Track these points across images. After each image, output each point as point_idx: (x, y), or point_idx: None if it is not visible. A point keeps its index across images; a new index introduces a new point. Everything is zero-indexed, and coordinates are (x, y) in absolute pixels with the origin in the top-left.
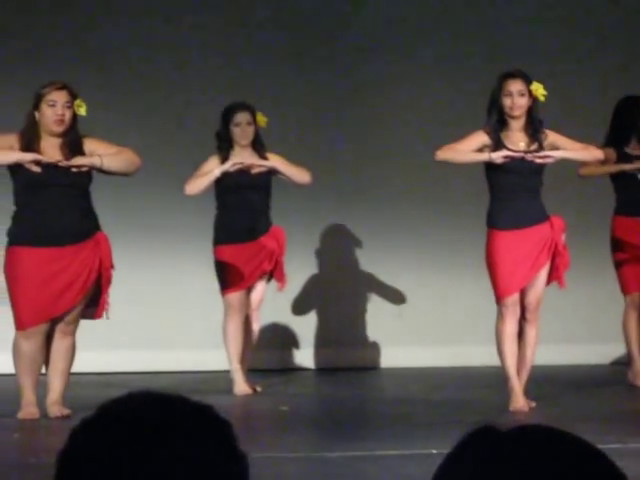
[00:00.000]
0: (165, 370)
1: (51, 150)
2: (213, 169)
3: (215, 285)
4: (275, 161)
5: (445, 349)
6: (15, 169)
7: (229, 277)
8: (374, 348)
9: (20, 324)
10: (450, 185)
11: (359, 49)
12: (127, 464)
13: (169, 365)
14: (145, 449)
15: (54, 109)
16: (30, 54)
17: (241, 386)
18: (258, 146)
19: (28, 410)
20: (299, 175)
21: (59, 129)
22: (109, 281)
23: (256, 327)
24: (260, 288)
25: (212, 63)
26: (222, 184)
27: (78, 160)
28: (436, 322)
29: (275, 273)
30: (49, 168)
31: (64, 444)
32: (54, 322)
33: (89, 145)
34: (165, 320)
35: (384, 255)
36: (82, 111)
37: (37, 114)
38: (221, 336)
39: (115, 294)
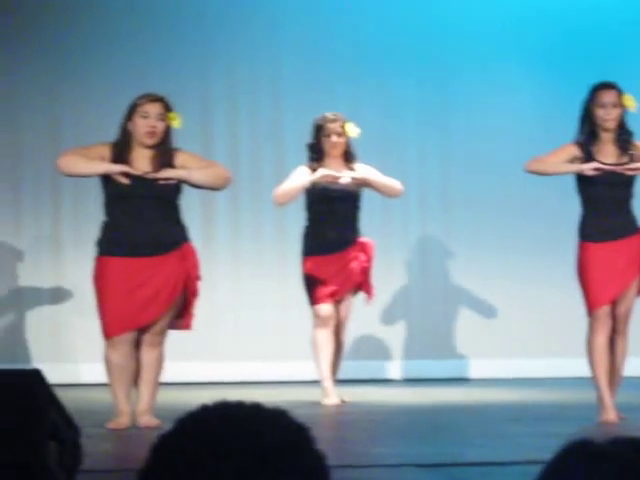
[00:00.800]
0: (254, 381)
1: (141, 161)
2: (303, 179)
3: (302, 295)
4: (365, 172)
5: (536, 360)
6: (105, 180)
7: (317, 288)
8: (463, 359)
9: (106, 332)
10: (541, 196)
11: (446, 56)
12: (206, 476)
13: (258, 376)
14: (222, 459)
15: (146, 121)
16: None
17: (330, 396)
18: (349, 157)
19: (117, 420)
20: (390, 186)
21: (150, 141)
22: (195, 293)
23: (344, 338)
24: (347, 300)
25: (304, 76)
26: (312, 195)
27: (165, 172)
28: (526, 333)
29: (363, 285)
30: (137, 180)
31: (145, 460)
32: (141, 333)
33: (180, 158)
34: (255, 331)
35: (473, 266)
36: (176, 124)
37: (130, 125)
38: (310, 347)
39: (202, 304)
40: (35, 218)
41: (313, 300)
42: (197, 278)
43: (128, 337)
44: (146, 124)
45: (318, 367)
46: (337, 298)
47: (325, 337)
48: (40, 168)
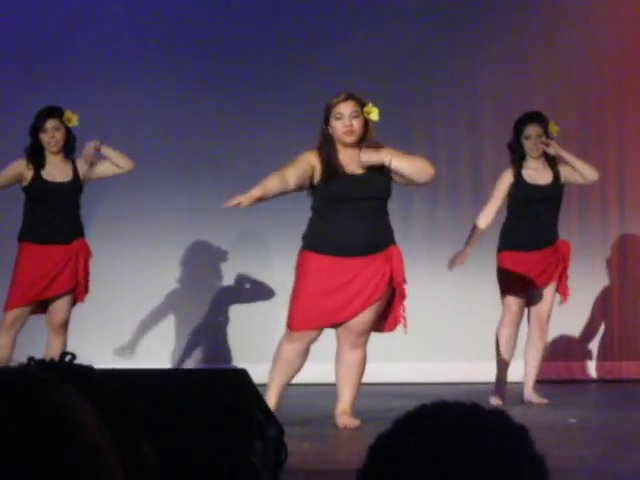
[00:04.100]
0: (446, 381)
1: (349, 161)
2: (506, 180)
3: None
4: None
5: None
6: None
7: (508, 283)
8: None
9: (291, 325)
10: None
11: None
12: (426, 476)
13: (450, 376)
14: (442, 459)
15: (342, 121)
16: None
17: (496, 398)
18: (549, 157)
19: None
20: (589, 172)
21: (350, 139)
22: (402, 295)
23: (544, 338)
24: (547, 300)
25: (501, 72)
26: (514, 196)
27: (368, 155)
28: None
29: (559, 285)
30: (349, 182)
31: (364, 461)
32: (343, 334)
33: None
34: (447, 331)
35: None
36: (374, 116)
37: (329, 128)
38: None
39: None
40: (239, 215)
41: (503, 293)
42: (402, 281)
43: (309, 336)
44: (342, 124)
45: (497, 364)
46: (526, 293)
47: (509, 334)
48: (239, 168)
